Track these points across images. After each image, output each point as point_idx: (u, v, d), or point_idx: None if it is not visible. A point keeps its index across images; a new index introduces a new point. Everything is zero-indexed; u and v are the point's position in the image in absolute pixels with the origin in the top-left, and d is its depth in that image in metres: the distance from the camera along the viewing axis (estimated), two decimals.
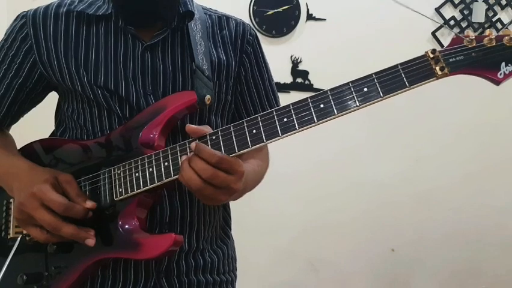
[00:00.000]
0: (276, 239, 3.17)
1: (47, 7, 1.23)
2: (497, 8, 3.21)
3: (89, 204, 1.11)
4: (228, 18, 1.34)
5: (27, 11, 1.24)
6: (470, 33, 0.98)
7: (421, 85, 0.96)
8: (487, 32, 0.97)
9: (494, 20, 3.20)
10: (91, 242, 1.09)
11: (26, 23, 1.22)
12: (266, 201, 3.09)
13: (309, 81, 3.17)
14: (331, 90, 0.99)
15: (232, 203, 1.40)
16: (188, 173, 1.00)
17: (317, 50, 3.16)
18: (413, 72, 0.96)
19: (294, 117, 1.00)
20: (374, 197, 3.21)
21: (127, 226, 1.10)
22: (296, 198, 3.17)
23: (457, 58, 0.96)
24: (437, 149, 3.22)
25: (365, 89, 0.97)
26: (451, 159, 3.21)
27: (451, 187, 3.22)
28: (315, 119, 0.98)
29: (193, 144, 1.00)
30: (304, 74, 3.18)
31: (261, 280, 3.14)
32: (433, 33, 3.17)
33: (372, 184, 3.20)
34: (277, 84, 3.11)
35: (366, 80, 0.98)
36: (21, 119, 1.33)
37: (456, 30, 3.18)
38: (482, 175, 3.22)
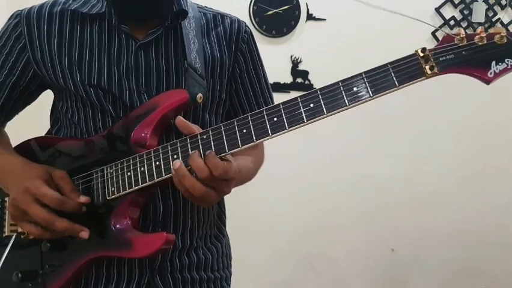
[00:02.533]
0: (274, 238, 3.17)
1: (41, 6, 1.24)
2: (497, 8, 3.21)
3: (83, 198, 1.12)
4: (222, 16, 1.33)
5: (22, 9, 1.24)
6: (461, 31, 0.96)
7: (411, 84, 0.95)
8: (478, 29, 0.95)
9: (494, 20, 3.20)
10: (84, 234, 1.10)
11: (20, 21, 1.22)
12: (265, 200, 3.10)
13: (309, 81, 3.18)
14: (321, 89, 0.99)
15: (230, 203, 1.40)
16: (190, 180, 1.02)
17: (317, 50, 3.16)
18: (403, 72, 0.95)
19: (284, 116, 1.00)
20: (373, 196, 3.21)
21: (119, 225, 1.11)
22: (296, 197, 3.17)
23: (447, 57, 0.95)
24: (437, 149, 3.22)
25: (355, 89, 0.96)
26: (451, 158, 3.22)
27: (450, 187, 3.22)
28: (304, 118, 0.98)
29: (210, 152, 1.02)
30: (304, 74, 3.19)
31: (260, 280, 3.14)
32: (433, 33, 3.17)
33: (372, 184, 3.20)
34: (277, 84, 3.12)
35: (355, 79, 0.97)
36: (17, 117, 1.33)
37: (458, 29, 3.17)
38: (481, 175, 3.22)
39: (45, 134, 1.34)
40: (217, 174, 1.01)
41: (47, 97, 1.33)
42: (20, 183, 1.12)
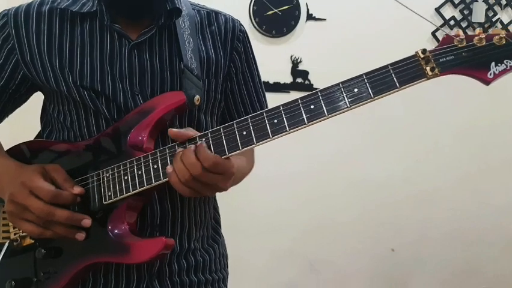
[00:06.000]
0: (275, 239, 3.16)
1: (29, 5, 1.19)
2: (497, 8, 3.19)
3: (77, 190, 1.10)
4: (216, 13, 1.31)
5: (9, 9, 1.20)
6: (460, 33, 0.97)
7: (411, 85, 0.96)
8: (477, 31, 0.96)
9: (494, 20, 3.19)
10: (80, 236, 1.08)
11: (7, 22, 1.18)
12: (266, 201, 3.09)
13: (309, 81, 3.16)
14: (321, 91, 0.98)
15: (230, 205, 1.39)
16: (179, 165, 1.01)
17: (317, 50, 3.15)
18: (404, 73, 0.95)
19: (284, 118, 0.99)
20: (374, 197, 3.20)
21: (116, 230, 1.08)
22: (296, 198, 3.16)
23: (447, 58, 0.95)
24: (437, 149, 3.21)
25: (356, 90, 0.96)
26: (451, 159, 3.20)
27: (450, 187, 3.21)
28: (305, 120, 0.98)
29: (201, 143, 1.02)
30: (304, 74, 3.17)
31: (261, 281, 3.13)
32: (433, 33, 3.15)
33: (372, 184, 3.19)
34: (277, 84, 3.12)
35: (356, 80, 0.97)
36: (9, 119, 1.30)
37: (456, 30, 3.16)
38: (482, 175, 3.21)
39: (35, 137, 1.30)
40: (207, 165, 0.99)
41: (38, 98, 1.30)
42: (16, 180, 1.09)
